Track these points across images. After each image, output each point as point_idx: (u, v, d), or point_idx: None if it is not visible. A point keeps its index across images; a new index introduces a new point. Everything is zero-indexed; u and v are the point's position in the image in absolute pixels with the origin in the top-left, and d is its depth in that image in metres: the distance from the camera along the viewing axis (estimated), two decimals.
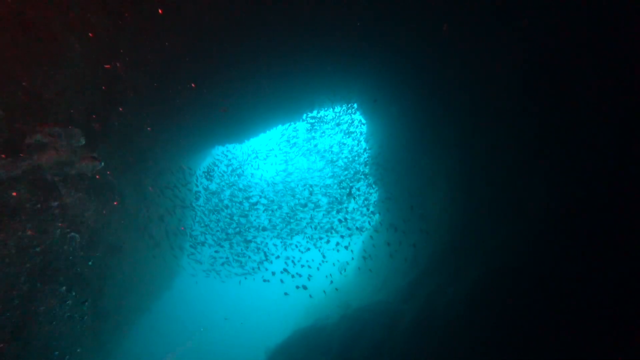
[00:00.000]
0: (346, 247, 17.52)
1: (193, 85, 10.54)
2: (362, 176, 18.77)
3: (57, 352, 9.74)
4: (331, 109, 18.13)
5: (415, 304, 10.46)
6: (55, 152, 8.07)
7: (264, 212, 21.01)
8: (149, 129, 10.94)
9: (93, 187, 9.80)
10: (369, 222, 19.77)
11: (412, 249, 13.23)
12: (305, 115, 18.12)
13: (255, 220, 21.07)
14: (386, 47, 11.23)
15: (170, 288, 20.19)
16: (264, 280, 18.63)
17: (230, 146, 20.03)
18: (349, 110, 17.81)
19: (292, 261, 18.27)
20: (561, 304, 6.68)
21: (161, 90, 10.98)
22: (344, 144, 20.19)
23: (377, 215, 19.07)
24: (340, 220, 19.52)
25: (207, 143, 17.12)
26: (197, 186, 17.98)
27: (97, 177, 9.73)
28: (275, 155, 22.64)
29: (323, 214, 20.35)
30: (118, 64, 8.81)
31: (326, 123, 18.92)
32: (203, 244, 18.57)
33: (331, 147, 21.04)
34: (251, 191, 20.96)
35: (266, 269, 19.22)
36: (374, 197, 18.92)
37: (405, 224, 14.12)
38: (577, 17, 6.87)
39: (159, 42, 9.64)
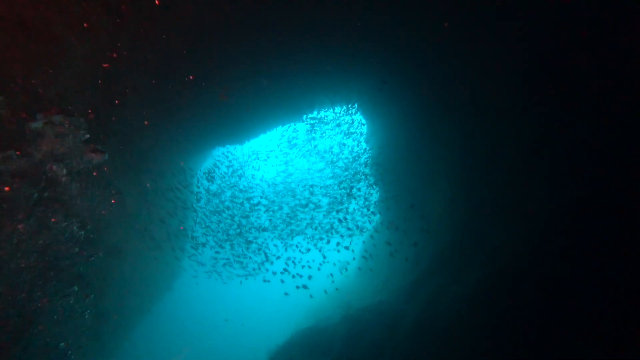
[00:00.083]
0: (346, 248, 17.51)
1: (191, 77, 10.48)
2: (363, 176, 18.76)
3: (62, 344, 9.69)
4: (331, 110, 18.12)
5: (416, 304, 10.43)
6: (58, 142, 7.87)
7: (265, 212, 21.01)
8: (145, 122, 10.87)
9: (96, 181, 9.73)
10: (370, 222, 19.76)
11: (413, 248, 13.20)
12: (305, 116, 18.12)
13: (256, 221, 21.07)
14: (386, 47, 11.23)
15: (171, 289, 20.19)
16: (264, 281, 18.62)
17: (230, 147, 20.03)
18: (350, 111, 17.80)
19: (293, 262, 18.26)
20: (563, 304, 6.66)
21: (161, 90, 10.98)
22: (344, 145, 20.19)
23: (377, 216, 19.05)
24: (340, 221, 19.51)
25: (207, 144, 17.13)
26: (198, 187, 17.99)
27: (99, 171, 9.64)
28: (276, 157, 22.64)
29: (323, 215, 20.35)
30: (115, 55, 8.69)
31: (326, 124, 18.92)
32: (204, 245, 18.58)
33: (331, 148, 21.04)
34: (252, 192, 20.96)
35: (267, 270, 19.23)
36: (374, 197, 18.91)
37: (406, 223, 14.10)
38: (578, 17, 6.86)
39: (158, 42, 9.64)
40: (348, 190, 19.04)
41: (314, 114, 18.13)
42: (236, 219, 20.13)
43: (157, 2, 8.15)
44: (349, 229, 19.61)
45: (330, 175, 21.08)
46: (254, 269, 20.39)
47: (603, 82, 6.62)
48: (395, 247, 14.37)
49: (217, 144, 18.03)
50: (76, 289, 9.78)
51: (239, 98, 13.31)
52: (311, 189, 20.76)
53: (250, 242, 20.15)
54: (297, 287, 15.91)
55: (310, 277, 17.01)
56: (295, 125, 19.56)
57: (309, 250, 19.70)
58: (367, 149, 18.41)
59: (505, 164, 9.00)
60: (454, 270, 10.11)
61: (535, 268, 7.34)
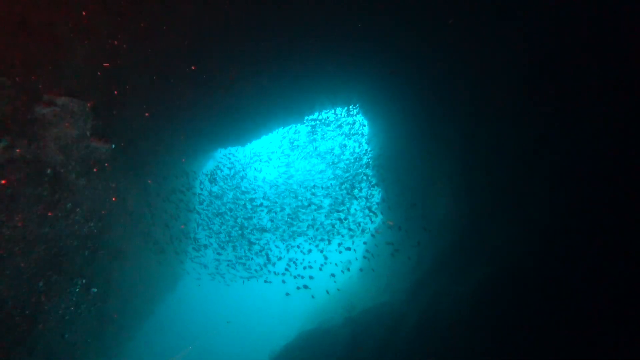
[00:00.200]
0: (348, 249, 17.51)
1: (193, 67, 10.37)
2: (364, 177, 18.76)
3: (67, 335, 9.65)
4: (332, 111, 18.14)
5: (418, 305, 10.41)
6: (62, 128, 7.64)
7: (267, 213, 21.03)
8: (146, 114, 10.77)
9: (99, 173, 9.65)
10: (372, 223, 19.73)
11: (415, 249, 13.19)
12: (306, 118, 18.13)
13: (258, 222, 21.09)
14: (387, 47, 11.23)
15: (174, 291, 20.22)
16: (265, 282, 18.64)
17: (232, 149, 20.07)
18: (351, 112, 17.80)
19: (294, 262, 18.27)
20: (565, 304, 6.64)
21: (163, 91, 11.00)
22: (345, 146, 20.20)
23: (379, 216, 19.03)
24: (340, 221, 19.51)
25: (209, 145, 17.16)
26: (201, 190, 18.03)
27: (101, 167, 9.55)
28: (279, 158, 22.67)
29: (325, 215, 20.34)
30: (116, 42, 8.49)
31: (327, 125, 18.93)
32: (206, 247, 18.60)
33: (332, 149, 21.05)
34: (254, 193, 20.99)
35: (269, 271, 19.25)
36: (376, 198, 18.89)
37: (408, 223, 14.07)
38: (580, 17, 6.85)
39: (159, 43, 9.66)
40: (350, 191, 19.04)
41: (315, 115, 18.15)
42: (239, 220, 20.16)
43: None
44: (350, 229, 19.59)
45: (332, 176, 21.09)
46: (255, 270, 20.41)
47: (606, 82, 6.61)
48: (397, 247, 14.35)
49: (219, 145, 18.07)
50: (82, 282, 9.68)
51: (241, 99, 13.33)
52: (313, 190, 20.78)
53: (253, 243, 20.18)
54: (298, 287, 15.90)
55: (311, 277, 17.02)
56: (296, 126, 19.58)
57: (310, 251, 19.72)
58: (369, 149, 18.41)
59: (506, 164, 8.98)
60: (455, 270, 10.09)
61: (537, 268, 7.32)
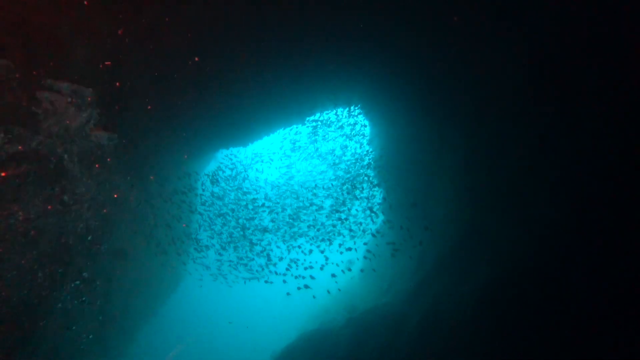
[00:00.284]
0: (349, 249, 17.51)
1: (197, 59, 10.27)
2: (365, 178, 18.75)
3: (73, 327, 9.57)
4: (334, 112, 18.15)
5: (421, 307, 10.40)
6: (66, 116, 7.49)
7: (268, 214, 21.06)
8: (149, 107, 10.69)
9: (102, 164, 9.58)
10: (373, 223, 19.71)
11: (417, 249, 13.17)
12: (307, 119, 18.15)
13: (260, 223, 21.13)
14: (389, 47, 11.23)
15: (176, 291, 20.25)
16: (266, 282, 18.67)
17: (234, 150, 20.10)
18: (353, 113, 17.81)
19: (295, 263, 18.28)
20: (570, 306, 6.62)
21: (164, 91, 11.01)
22: (346, 147, 20.20)
23: (380, 216, 19.02)
24: (341, 221, 19.51)
25: (211, 146, 17.20)
26: (203, 190, 18.06)
27: (102, 162, 9.45)
28: (280, 159, 22.70)
29: (326, 216, 20.35)
30: (120, 32, 8.33)
31: (328, 126, 18.94)
32: (208, 248, 18.63)
33: (333, 150, 21.06)
34: (256, 194, 21.02)
35: (270, 272, 19.25)
36: (377, 198, 18.89)
37: (410, 223, 14.04)
38: (582, 16, 6.83)
39: (160, 43, 9.67)
40: (351, 192, 19.05)
41: (316, 115, 18.17)
42: (240, 221, 20.20)
43: None
44: (351, 230, 19.59)
45: (333, 177, 21.10)
46: (257, 271, 20.43)
47: (608, 82, 6.59)
48: (399, 247, 14.34)
49: (221, 145, 18.10)
50: (85, 274, 9.64)
51: (243, 100, 13.35)
52: (314, 191, 20.79)
53: (254, 244, 20.21)
54: (299, 287, 15.91)
55: (312, 277, 17.03)
56: (297, 127, 19.60)
57: (311, 251, 19.72)
58: (370, 150, 18.41)
59: (508, 164, 8.97)
60: (458, 271, 10.07)
61: (540, 269, 7.30)
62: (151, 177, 12.97)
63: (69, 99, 7.66)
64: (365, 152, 18.79)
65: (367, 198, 18.98)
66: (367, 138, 18.78)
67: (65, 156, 8.16)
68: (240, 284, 22.70)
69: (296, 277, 16.81)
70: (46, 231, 8.19)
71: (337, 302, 19.38)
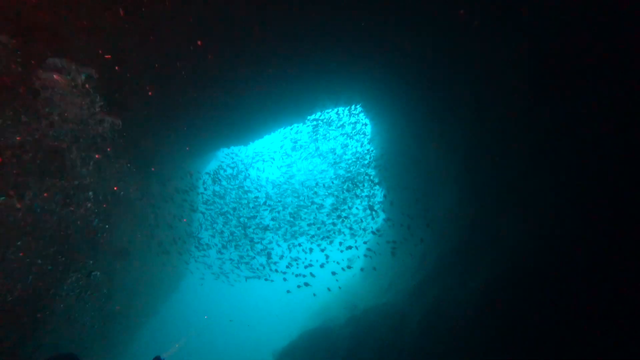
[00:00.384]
0: (349, 248, 17.52)
1: (199, 43, 10.10)
2: (366, 176, 18.75)
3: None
4: (334, 111, 18.13)
5: (422, 306, 10.41)
6: (69, 100, 7.33)
7: (269, 212, 21.09)
8: (150, 93, 10.54)
9: (104, 153, 9.53)
10: (374, 222, 19.73)
11: (418, 247, 13.17)
12: (308, 118, 18.13)
13: (261, 222, 21.16)
14: (390, 47, 11.21)
15: (177, 290, 20.30)
16: (266, 280, 18.70)
17: (235, 148, 20.11)
18: (353, 112, 17.79)
19: (296, 261, 18.31)
20: (572, 305, 6.61)
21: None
22: (347, 146, 20.19)
23: (381, 215, 19.03)
24: (341, 219, 19.52)
25: (212, 145, 17.20)
26: (205, 189, 18.08)
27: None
28: (281, 158, 22.71)
29: (327, 215, 20.37)
30: (121, 10, 8.08)
31: (329, 125, 18.93)
32: (209, 247, 18.67)
33: (334, 149, 21.06)
34: (258, 193, 21.04)
35: (271, 270, 19.30)
36: (378, 197, 18.89)
37: (411, 221, 14.04)
38: (584, 16, 6.82)
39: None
40: (352, 191, 19.05)
41: (317, 114, 18.16)
42: (241, 219, 20.23)
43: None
44: (351, 228, 19.59)
45: (334, 176, 21.11)
46: (257, 269, 20.48)
47: (611, 81, 6.58)
48: (400, 245, 14.34)
49: (222, 145, 18.12)
50: (91, 262, 9.56)
51: (244, 98, 13.34)
52: (315, 189, 20.81)
53: (256, 242, 20.26)
54: (299, 286, 15.94)
55: (312, 275, 17.05)
56: (298, 126, 19.59)
57: (311, 250, 19.75)
58: (371, 149, 18.39)
59: (510, 163, 8.95)
60: (459, 271, 10.07)
61: (542, 268, 7.29)
62: (152, 169, 12.90)
63: (72, 83, 7.48)
64: (366, 151, 18.77)
65: (368, 197, 18.98)
66: (368, 137, 18.77)
67: (66, 145, 8.04)
68: (242, 282, 22.76)
69: (297, 276, 16.83)
70: (47, 222, 8.13)
71: (337, 300, 19.40)
